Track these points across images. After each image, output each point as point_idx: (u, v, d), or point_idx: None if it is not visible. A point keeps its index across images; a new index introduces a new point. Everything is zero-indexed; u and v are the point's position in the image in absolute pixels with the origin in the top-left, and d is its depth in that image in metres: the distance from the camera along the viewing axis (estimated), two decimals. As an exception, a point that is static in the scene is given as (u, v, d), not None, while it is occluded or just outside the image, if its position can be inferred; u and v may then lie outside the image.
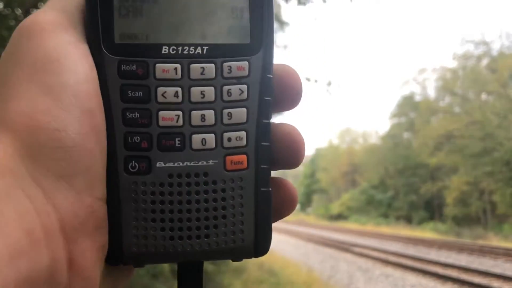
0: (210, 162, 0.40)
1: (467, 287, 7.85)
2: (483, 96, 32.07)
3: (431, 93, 38.58)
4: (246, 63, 0.41)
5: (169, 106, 0.39)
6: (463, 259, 11.48)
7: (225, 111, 0.40)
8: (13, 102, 0.35)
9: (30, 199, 0.33)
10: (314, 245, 17.69)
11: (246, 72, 0.41)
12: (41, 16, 0.39)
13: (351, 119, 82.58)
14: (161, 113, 0.39)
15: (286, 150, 0.42)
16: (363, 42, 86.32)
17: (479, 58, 33.08)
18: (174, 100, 0.39)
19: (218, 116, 0.40)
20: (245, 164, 0.41)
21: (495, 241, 17.75)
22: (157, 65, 0.39)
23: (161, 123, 0.39)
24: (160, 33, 0.40)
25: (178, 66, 0.39)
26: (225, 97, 0.40)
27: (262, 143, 0.41)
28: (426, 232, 24.24)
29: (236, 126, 0.40)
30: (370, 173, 42.79)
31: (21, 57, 0.37)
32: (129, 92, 0.38)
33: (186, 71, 0.39)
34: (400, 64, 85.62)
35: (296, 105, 0.45)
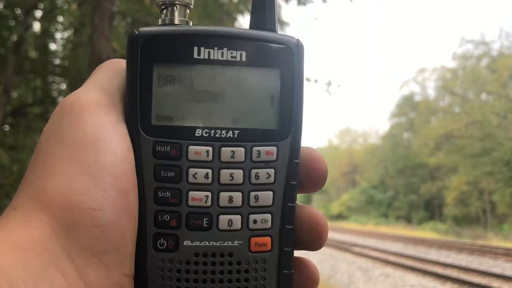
0: (235, 243, 0.41)
1: (467, 287, 7.84)
2: (483, 96, 32.07)
3: (431, 93, 38.62)
4: (275, 148, 0.42)
5: (199, 187, 0.41)
6: (463, 259, 11.47)
7: (252, 193, 0.42)
8: (51, 180, 0.37)
9: (64, 276, 0.34)
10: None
11: (274, 157, 0.42)
12: (83, 95, 0.41)
13: (351, 119, 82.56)
14: (191, 193, 0.41)
15: (309, 232, 0.44)
16: (363, 42, 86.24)
17: (479, 58, 33.09)
18: (204, 181, 0.41)
19: (245, 198, 0.41)
20: (269, 246, 0.42)
21: (495, 241, 17.74)
22: (190, 147, 0.41)
23: (190, 203, 0.40)
24: (195, 116, 0.42)
25: (210, 148, 0.41)
26: (253, 180, 0.42)
27: (287, 226, 0.43)
28: (426, 232, 24.24)
29: (262, 209, 0.42)
30: (370, 173, 42.78)
31: (61, 135, 0.39)
32: (162, 172, 0.40)
33: (217, 153, 0.41)
34: (400, 64, 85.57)
35: (320, 188, 0.46)
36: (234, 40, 0.42)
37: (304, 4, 8.95)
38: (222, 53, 0.42)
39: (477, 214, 29.36)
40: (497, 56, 31.82)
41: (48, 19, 10.76)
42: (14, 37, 9.39)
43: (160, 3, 0.45)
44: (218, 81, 0.42)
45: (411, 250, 13.85)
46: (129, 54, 0.42)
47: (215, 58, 0.42)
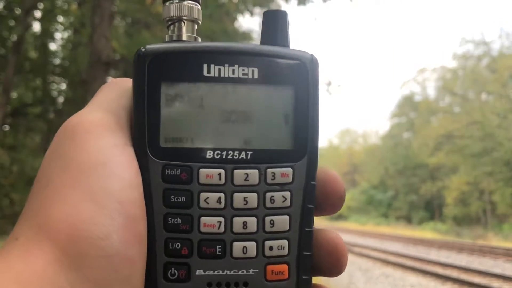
0: (251, 271, 0.39)
1: (467, 287, 7.83)
2: (483, 96, 32.06)
3: (431, 93, 38.64)
4: (290, 169, 0.40)
5: (211, 212, 0.39)
6: (463, 259, 11.46)
7: (268, 218, 0.39)
8: (55, 208, 0.35)
9: None
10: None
11: (290, 179, 0.40)
12: (87, 116, 0.39)
13: (351, 119, 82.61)
14: (203, 219, 0.38)
15: (328, 258, 0.41)
16: (363, 42, 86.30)
17: (479, 58, 33.06)
18: (217, 206, 0.39)
19: (260, 224, 0.39)
20: (286, 275, 0.40)
21: (495, 241, 17.73)
22: (201, 170, 0.39)
23: (202, 229, 0.38)
24: (205, 137, 0.40)
25: (222, 171, 0.39)
26: (268, 204, 0.39)
27: (304, 252, 0.40)
28: (426, 232, 24.23)
29: (278, 234, 0.40)
30: (370, 173, 42.76)
31: (65, 159, 0.36)
32: (172, 197, 0.38)
33: (229, 176, 0.39)
34: (400, 64, 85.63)
35: (338, 210, 0.44)
36: (245, 56, 0.41)
37: (304, 4, 8.95)
38: (233, 70, 0.40)
39: (477, 214, 29.35)
40: (497, 56, 31.78)
41: (48, 19, 10.76)
42: (14, 37, 9.39)
43: (167, 19, 0.43)
44: (229, 100, 0.40)
45: (411, 250, 13.84)
46: (136, 72, 0.40)
47: (226, 75, 0.40)
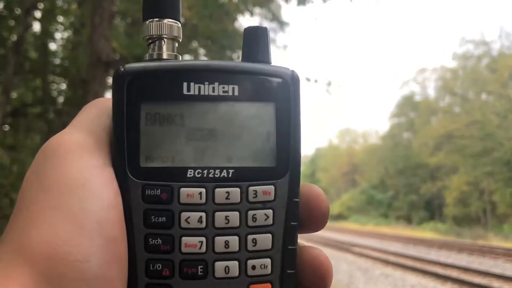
0: None
1: (467, 287, 7.84)
2: (483, 96, 32.09)
3: (431, 93, 38.66)
4: (272, 187, 0.40)
5: (193, 232, 0.38)
6: (463, 259, 11.47)
7: (250, 237, 0.39)
8: (34, 229, 0.34)
9: None
10: (314, 245, 17.65)
11: (271, 197, 0.40)
12: (67, 138, 0.39)
13: (351, 119, 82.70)
14: (184, 239, 0.38)
15: (312, 275, 0.41)
16: (363, 42, 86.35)
17: (479, 58, 33.10)
18: (198, 225, 0.38)
19: (243, 243, 0.39)
20: None
21: (495, 241, 17.75)
22: (182, 189, 0.38)
23: (183, 249, 0.38)
24: (185, 156, 0.39)
25: (203, 190, 0.39)
26: (250, 223, 0.39)
27: (288, 271, 0.40)
28: (426, 232, 24.25)
29: (261, 253, 0.39)
30: (370, 173, 42.80)
31: (45, 180, 0.36)
32: (152, 217, 0.38)
33: (210, 195, 0.39)
34: (400, 64, 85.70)
35: (322, 227, 0.43)
36: (225, 73, 0.40)
37: (304, 4, 8.95)
38: (213, 88, 0.40)
39: (477, 214, 29.37)
40: (497, 56, 31.84)
41: (48, 19, 10.76)
42: (14, 37, 9.39)
43: (147, 37, 0.43)
44: (209, 118, 0.40)
45: (411, 250, 13.85)
46: (115, 91, 0.39)
47: (206, 93, 0.40)
